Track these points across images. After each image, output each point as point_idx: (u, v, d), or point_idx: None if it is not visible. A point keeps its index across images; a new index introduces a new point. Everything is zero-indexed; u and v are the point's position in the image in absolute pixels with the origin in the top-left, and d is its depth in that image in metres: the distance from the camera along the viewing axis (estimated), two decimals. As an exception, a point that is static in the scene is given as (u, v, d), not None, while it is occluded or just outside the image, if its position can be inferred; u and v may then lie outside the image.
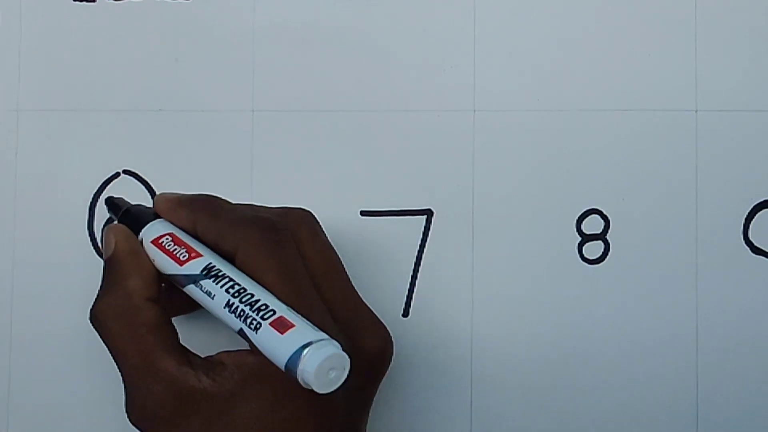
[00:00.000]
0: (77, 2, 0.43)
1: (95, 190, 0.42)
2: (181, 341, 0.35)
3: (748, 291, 0.41)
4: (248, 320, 0.32)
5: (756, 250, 0.41)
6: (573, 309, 0.41)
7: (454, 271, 0.41)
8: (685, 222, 0.41)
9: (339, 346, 0.31)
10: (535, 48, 0.42)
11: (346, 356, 0.31)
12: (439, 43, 0.42)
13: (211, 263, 0.34)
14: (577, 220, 0.41)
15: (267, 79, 0.42)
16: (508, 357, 0.41)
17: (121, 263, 0.36)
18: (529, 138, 0.42)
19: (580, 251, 0.41)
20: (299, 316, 0.32)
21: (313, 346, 0.31)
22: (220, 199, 0.37)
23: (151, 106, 0.42)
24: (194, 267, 0.34)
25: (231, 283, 0.33)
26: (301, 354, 0.30)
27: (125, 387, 0.34)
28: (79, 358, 0.42)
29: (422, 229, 0.42)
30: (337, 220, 0.42)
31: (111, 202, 0.39)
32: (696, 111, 0.41)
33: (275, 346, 0.31)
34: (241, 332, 0.32)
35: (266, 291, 0.33)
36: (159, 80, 0.42)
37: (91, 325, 0.35)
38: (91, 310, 0.35)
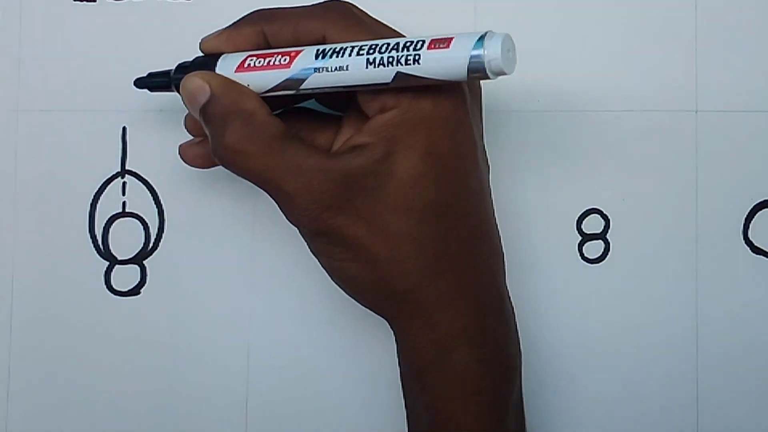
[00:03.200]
0: (77, 2, 0.43)
1: (95, 190, 0.42)
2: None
3: (748, 291, 0.41)
4: (402, 59, 0.32)
5: (756, 250, 0.41)
6: (573, 309, 0.41)
7: (455, 271, 0.41)
8: (685, 222, 0.41)
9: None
10: (536, 48, 0.42)
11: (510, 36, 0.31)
12: (439, 43, 0.42)
13: (319, 48, 0.33)
14: (577, 220, 0.41)
15: (267, 79, 0.42)
16: (509, 357, 0.41)
17: (227, 95, 0.34)
18: (529, 138, 0.42)
19: (580, 251, 0.41)
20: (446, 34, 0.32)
21: (485, 36, 0.31)
22: (271, 7, 0.36)
23: (151, 107, 0.42)
24: (305, 60, 0.33)
25: (357, 47, 0.33)
26: (480, 48, 0.31)
27: (282, 198, 0.33)
28: (79, 358, 0.42)
29: (422, 229, 0.42)
30: (338, 220, 0.42)
31: (153, 74, 0.38)
32: (696, 111, 0.41)
33: (449, 58, 0.31)
34: (398, 77, 0.32)
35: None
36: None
37: (222, 164, 0.34)
38: (218, 152, 0.34)
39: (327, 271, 0.35)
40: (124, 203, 0.42)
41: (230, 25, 0.36)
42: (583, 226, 0.41)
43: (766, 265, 0.41)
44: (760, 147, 0.41)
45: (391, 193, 0.33)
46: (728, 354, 0.41)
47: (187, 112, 0.37)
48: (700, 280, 0.41)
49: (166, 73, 0.37)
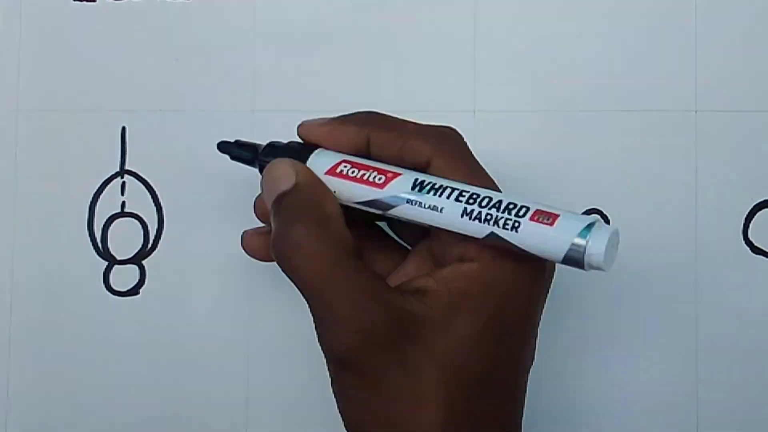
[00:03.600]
0: (77, 2, 0.43)
1: (95, 190, 0.42)
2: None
3: (748, 291, 0.41)
4: (501, 222, 0.30)
5: (756, 250, 0.41)
6: (572, 309, 0.41)
7: (454, 271, 0.41)
8: (685, 222, 0.41)
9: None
10: (535, 48, 0.42)
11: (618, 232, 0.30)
12: (439, 44, 0.42)
13: (417, 178, 0.31)
14: (577, 220, 0.41)
15: (267, 79, 0.42)
16: (508, 357, 0.41)
17: (309, 191, 0.32)
18: (529, 138, 0.42)
19: (580, 251, 0.41)
20: (550, 206, 0.30)
21: (594, 226, 0.29)
22: (380, 113, 0.34)
23: (151, 106, 0.42)
24: (400, 186, 0.31)
25: (456, 191, 0.31)
26: (585, 237, 0.29)
27: (327, 316, 0.30)
28: (78, 357, 0.42)
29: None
30: (337, 220, 0.42)
31: (240, 144, 0.36)
32: (696, 111, 0.41)
33: (549, 238, 0.29)
34: (490, 237, 0.30)
35: (497, 192, 0.31)
36: (159, 80, 0.42)
37: (277, 259, 0.31)
38: (279, 245, 0.31)
39: (339, 404, 0.32)
40: (123, 203, 0.42)
41: (336, 118, 0.34)
42: (582, 226, 0.41)
43: (766, 265, 0.41)
44: (760, 147, 0.41)
45: (443, 351, 0.30)
46: (728, 354, 0.41)
47: (258, 194, 0.35)
48: (700, 280, 0.41)
49: (254, 147, 0.35)
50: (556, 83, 0.42)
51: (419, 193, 0.31)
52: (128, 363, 0.42)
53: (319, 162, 0.33)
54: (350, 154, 0.33)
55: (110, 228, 0.42)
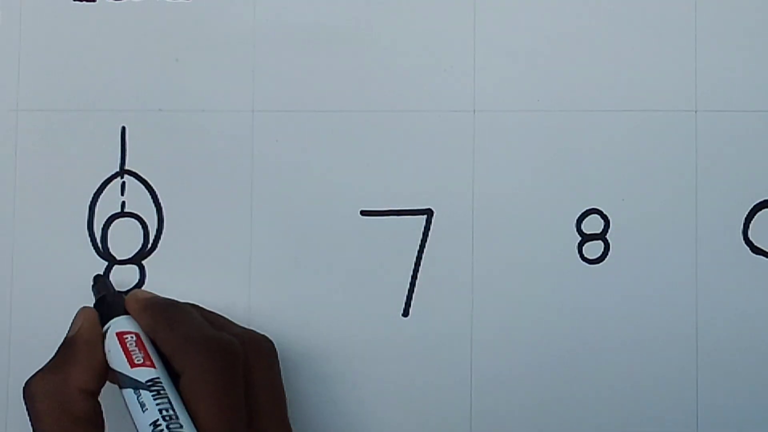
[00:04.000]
0: (77, 2, 0.43)
1: (95, 190, 0.42)
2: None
3: (748, 291, 0.41)
4: None
5: (756, 250, 0.41)
6: (573, 309, 0.41)
7: (454, 271, 0.41)
8: (685, 222, 0.41)
9: None
10: (535, 48, 0.42)
11: None
12: (439, 43, 0.42)
13: (158, 378, 0.35)
14: (577, 220, 0.41)
15: (267, 79, 0.42)
16: (508, 357, 0.41)
17: (75, 348, 0.36)
18: (529, 138, 0.42)
19: (580, 251, 0.41)
20: None
21: None
22: (186, 309, 0.38)
23: (151, 106, 0.42)
24: (142, 374, 0.35)
25: (167, 405, 0.34)
26: None
27: None
28: (79, 358, 0.42)
29: (422, 229, 0.42)
30: (337, 220, 0.42)
31: (97, 281, 0.41)
32: (696, 111, 0.41)
33: None
34: None
35: (193, 428, 0.34)
36: (159, 80, 0.42)
37: (22, 396, 0.36)
38: (28, 381, 0.36)
39: None
40: (123, 203, 0.42)
41: (150, 301, 0.38)
42: (582, 227, 0.41)
43: (766, 265, 0.41)
44: (760, 147, 0.41)
45: None
46: (728, 354, 0.41)
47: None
48: (700, 280, 0.41)
49: (99, 291, 0.40)
50: (556, 83, 0.42)
51: (145, 389, 0.35)
52: (128, 363, 0.42)
53: (122, 323, 0.37)
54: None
55: (110, 228, 0.42)
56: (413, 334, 0.41)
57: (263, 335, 0.38)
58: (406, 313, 0.41)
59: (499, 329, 0.41)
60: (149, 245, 0.42)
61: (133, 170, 0.42)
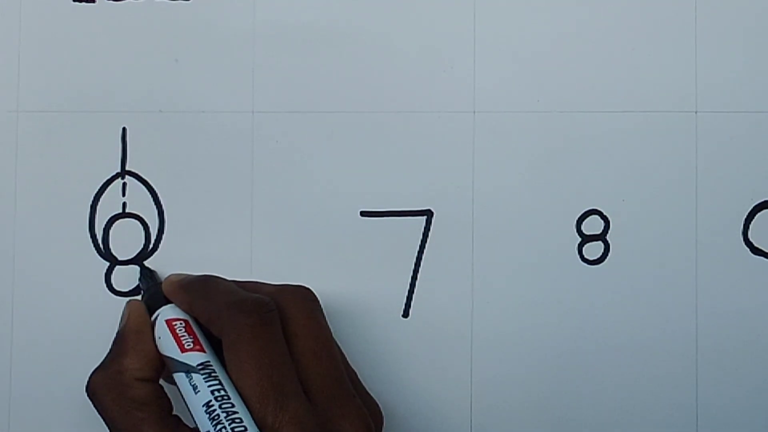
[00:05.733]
0: (77, 2, 0.43)
1: (96, 191, 0.42)
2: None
3: (748, 291, 0.41)
4: (218, 426, 0.34)
5: (756, 251, 0.41)
6: (573, 309, 0.41)
7: (454, 271, 0.42)
8: (685, 222, 0.41)
9: None
10: (536, 49, 0.42)
11: None
12: (439, 44, 0.42)
13: (208, 361, 0.36)
14: (577, 221, 0.41)
15: (267, 80, 0.42)
16: (508, 357, 0.41)
17: (125, 339, 0.37)
18: (529, 139, 0.42)
19: (580, 251, 0.41)
20: None
21: None
22: (218, 280, 0.39)
23: (151, 107, 0.42)
24: (193, 359, 0.36)
25: (219, 386, 0.35)
26: None
27: None
28: (80, 358, 0.42)
29: (422, 229, 0.42)
30: (337, 220, 0.42)
31: (144, 272, 0.41)
32: (696, 112, 0.41)
33: None
34: None
35: (244, 407, 0.34)
36: (159, 81, 0.42)
37: (86, 394, 0.37)
38: (89, 379, 0.37)
39: None
40: (124, 204, 0.42)
41: (185, 280, 0.39)
42: (582, 227, 0.41)
43: (766, 266, 0.41)
44: (760, 147, 0.41)
45: None
46: (728, 354, 0.41)
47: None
48: (700, 280, 0.41)
49: (146, 283, 0.41)
50: (556, 83, 0.42)
51: (197, 371, 0.35)
52: (130, 363, 0.42)
53: (171, 311, 0.38)
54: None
55: (111, 229, 0.42)
56: (413, 334, 0.41)
57: (300, 285, 0.39)
58: (406, 314, 0.42)
59: (499, 329, 0.41)
60: (150, 246, 0.42)
61: (134, 171, 0.42)
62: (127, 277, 0.42)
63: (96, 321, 0.42)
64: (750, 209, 0.41)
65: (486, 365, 0.41)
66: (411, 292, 0.42)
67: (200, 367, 0.35)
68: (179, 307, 0.38)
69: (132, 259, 0.42)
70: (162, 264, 0.42)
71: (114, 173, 0.42)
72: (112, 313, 0.42)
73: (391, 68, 0.42)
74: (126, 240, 0.42)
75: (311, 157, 0.42)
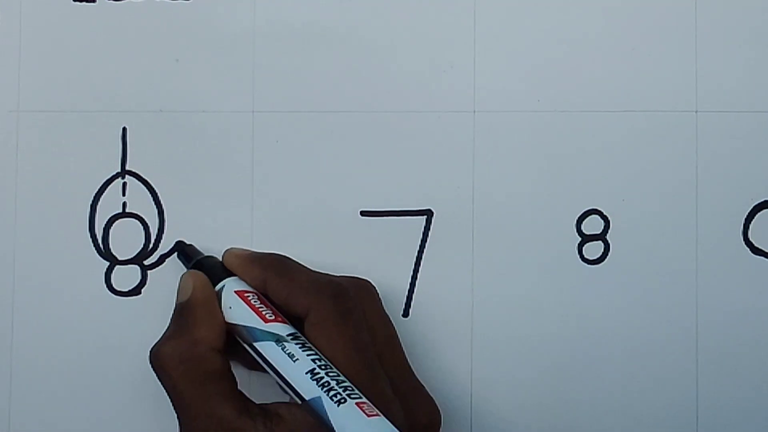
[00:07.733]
0: (77, 2, 0.43)
1: (96, 191, 0.42)
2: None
3: (748, 291, 0.41)
4: (332, 392, 0.33)
5: (756, 251, 0.41)
6: (573, 309, 0.41)
7: (454, 271, 0.42)
8: (685, 222, 0.41)
9: None
10: (536, 48, 0.42)
11: None
12: (439, 44, 0.42)
13: (296, 332, 0.36)
14: (577, 221, 0.41)
15: (267, 80, 0.42)
16: (508, 357, 0.41)
17: (194, 310, 0.37)
18: (529, 139, 0.42)
19: (580, 251, 0.41)
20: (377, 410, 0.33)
21: None
22: (290, 259, 0.39)
23: (152, 107, 0.42)
24: (280, 329, 0.35)
25: (317, 355, 0.35)
26: None
27: (182, 424, 0.36)
28: (81, 358, 0.42)
29: (422, 229, 0.42)
30: (337, 220, 0.42)
31: (181, 248, 0.41)
32: (696, 112, 0.41)
33: (359, 426, 0.33)
34: (314, 400, 0.33)
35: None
36: (159, 81, 0.42)
37: (150, 364, 0.36)
38: (154, 350, 0.36)
39: None
40: (124, 204, 0.42)
41: (249, 256, 0.39)
42: (582, 227, 0.41)
43: (766, 266, 0.41)
44: (760, 147, 0.41)
45: None
46: (728, 354, 0.41)
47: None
48: (700, 280, 0.41)
49: (189, 256, 0.40)
50: (556, 83, 0.42)
51: (289, 340, 0.35)
52: (129, 363, 0.42)
53: (238, 283, 0.38)
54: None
55: (111, 228, 0.42)
56: (413, 334, 0.41)
57: (364, 279, 0.39)
58: (406, 314, 0.42)
59: (499, 329, 0.41)
60: (150, 246, 0.42)
61: (134, 171, 0.42)
62: (127, 277, 0.42)
63: (96, 321, 0.42)
64: (750, 209, 0.41)
65: (486, 365, 0.41)
66: (411, 291, 0.42)
67: (291, 336, 0.35)
68: (245, 280, 0.38)
69: (132, 258, 0.42)
70: (162, 264, 0.42)
71: (114, 173, 0.42)
72: (112, 312, 0.42)
73: (391, 68, 0.42)
74: (126, 240, 0.42)
75: (311, 156, 0.42)
